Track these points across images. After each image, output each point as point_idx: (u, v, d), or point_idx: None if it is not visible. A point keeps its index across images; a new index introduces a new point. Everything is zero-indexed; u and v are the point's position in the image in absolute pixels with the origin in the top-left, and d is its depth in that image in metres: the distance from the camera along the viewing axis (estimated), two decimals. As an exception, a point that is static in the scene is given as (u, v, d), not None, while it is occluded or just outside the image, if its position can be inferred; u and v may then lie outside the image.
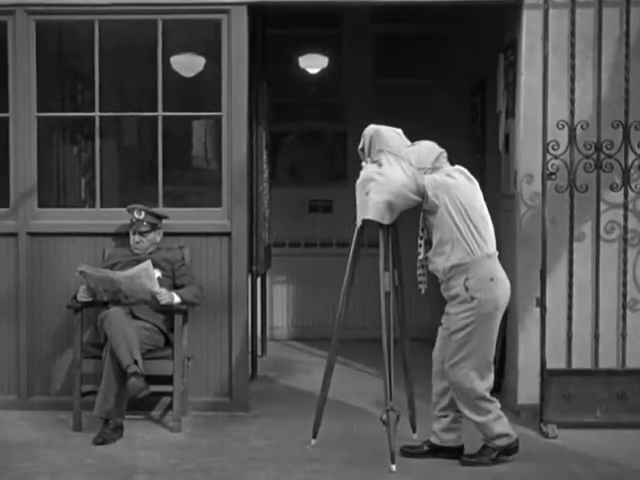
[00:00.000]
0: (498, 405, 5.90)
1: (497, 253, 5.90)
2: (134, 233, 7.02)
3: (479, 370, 5.80)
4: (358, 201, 6.06)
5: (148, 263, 6.71)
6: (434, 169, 5.95)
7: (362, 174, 6.08)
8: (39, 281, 7.23)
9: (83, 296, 6.73)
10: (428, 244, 5.99)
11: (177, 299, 6.74)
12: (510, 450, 5.92)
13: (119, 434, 6.51)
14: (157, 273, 6.83)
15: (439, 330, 6.02)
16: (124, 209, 7.10)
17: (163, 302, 6.69)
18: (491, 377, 5.89)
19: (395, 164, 5.96)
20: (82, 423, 6.67)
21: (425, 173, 5.92)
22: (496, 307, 5.77)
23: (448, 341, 5.85)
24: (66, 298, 6.98)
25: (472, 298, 5.74)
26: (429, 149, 6.03)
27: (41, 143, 7.35)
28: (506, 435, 5.89)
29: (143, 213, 7.02)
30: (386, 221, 5.98)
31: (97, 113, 7.26)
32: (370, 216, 5.99)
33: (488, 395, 5.85)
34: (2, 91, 7.25)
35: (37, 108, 7.24)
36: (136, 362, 6.39)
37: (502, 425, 5.88)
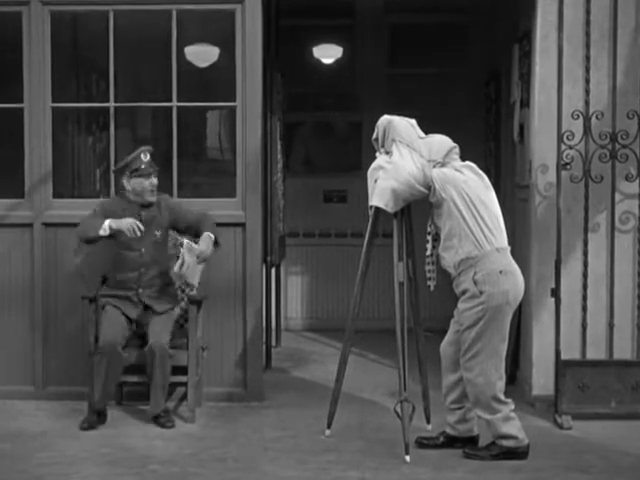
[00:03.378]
0: (511, 407, 5.85)
1: (509, 248, 5.88)
2: (148, 177, 6.76)
3: (494, 365, 5.77)
4: (369, 189, 6.08)
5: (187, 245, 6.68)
6: (444, 163, 5.94)
7: (373, 163, 6.10)
8: (54, 271, 7.25)
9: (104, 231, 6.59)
10: (436, 240, 5.99)
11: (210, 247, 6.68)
12: (517, 454, 5.83)
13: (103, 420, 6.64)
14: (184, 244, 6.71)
15: (451, 323, 6.01)
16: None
17: (203, 256, 6.63)
18: (504, 374, 5.88)
19: (406, 154, 5.96)
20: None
21: (435, 166, 5.91)
22: (506, 300, 5.74)
23: (462, 337, 5.84)
24: (81, 288, 7.00)
25: (481, 292, 5.72)
26: (441, 143, 6.02)
27: (56, 134, 7.36)
28: (513, 437, 5.84)
29: (149, 154, 6.84)
30: (390, 208, 5.98)
31: (112, 104, 7.27)
32: (375, 202, 6.00)
33: (502, 396, 5.81)
34: (17, 82, 7.27)
35: (52, 99, 7.26)
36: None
37: (510, 427, 5.83)
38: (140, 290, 6.73)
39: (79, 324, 7.15)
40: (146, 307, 6.75)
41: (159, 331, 6.59)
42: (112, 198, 7.03)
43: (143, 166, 6.74)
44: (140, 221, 6.63)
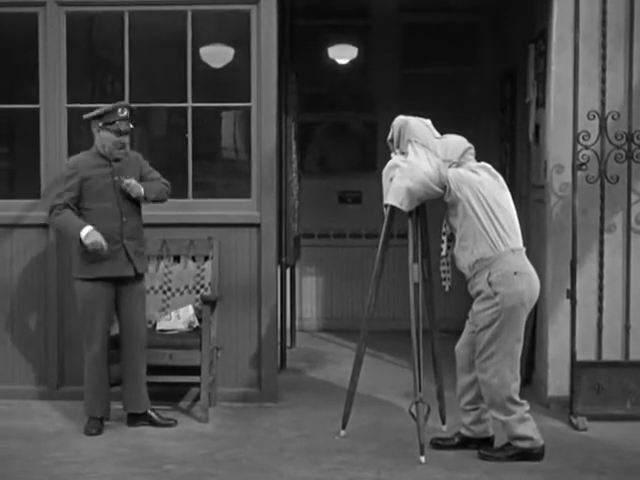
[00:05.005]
0: (526, 408, 5.83)
1: (524, 249, 5.86)
2: (119, 134, 6.40)
3: (509, 366, 5.76)
4: (384, 188, 6.07)
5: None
6: (460, 164, 5.93)
7: (389, 162, 6.10)
8: (68, 272, 7.23)
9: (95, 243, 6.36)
10: (451, 240, 5.98)
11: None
12: (533, 455, 5.82)
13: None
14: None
15: (466, 324, 6.00)
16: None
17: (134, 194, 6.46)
18: (519, 375, 5.86)
19: (421, 154, 5.95)
20: (111, 413, 6.68)
21: (450, 167, 5.90)
22: (521, 302, 5.72)
23: (477, 338, 5.83)
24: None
25: (495, 293, 5.70)
26: (457, 143, 6.01)
27: (71, 134, 7.37)
28: (529, 438, 5.83)
29: (127, 111, 6.47)
30: (404, 207, 5.97)
31: (127, 104, 7.28)
32: (389, 201, 6.00)
33: (517, 397, 5.80)
34: (33, 82, 7.29)
35: (67, 99, 7.28)
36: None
37: (525, 428, 5.82)
38: (125, 241, 6.48)
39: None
40: (118, 280, 6.54)
41: (137, 314, 6.59)
42: (83, 154, 6.56)
43: (117, 121, 6.40)
44: (111, 173, 6.44)
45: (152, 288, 7.05)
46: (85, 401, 6.55)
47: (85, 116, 6.57)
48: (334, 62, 10.61)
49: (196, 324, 6.91)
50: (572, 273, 6.75)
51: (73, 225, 6.39)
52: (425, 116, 6.17)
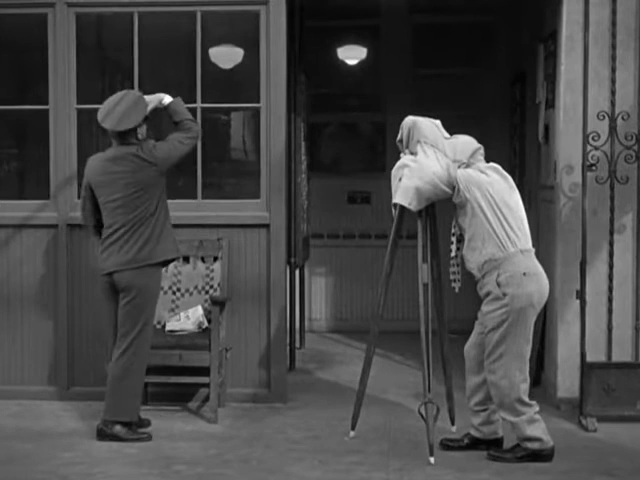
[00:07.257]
0: (536, 409, 5.82)
1: (533, 250, 5.85)
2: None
3: (518, 367, 5.75)
4: (392, 188, 6.07)
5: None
6: (469, 164, 5.93)
7: (398, 162, 6.10)
8: (78, 272, 7.27)
9: None
10: (460, 241, 5.97)
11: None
12: (542, 456, 5.81)
13: None
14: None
15: (475, 325, 5.99)
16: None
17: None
18: (528, 376, 5.85)
19: (430, 154, 5.95)
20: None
21: (459, 167, 5.89)
22: (530, 303, 5.71)
23: (486, 339, 5.82)
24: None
25: (504, 294, 5.69)
26: (466, 143, 6.00)
27: (81, 135, 7.38)
28: (538, 439, 5.81)
29: None
30: (413, 207, 5.95)
31: (136, 105, 7.27)
32: (398, 200, 5.99)
33: (526, 398, 5.79)
34: (42, 83, 7.30)
35: (77, 100, 7.29)
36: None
37: (535, 429, 5.81)
38: None
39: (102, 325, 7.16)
40: None
41: None
42: None
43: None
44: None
45: (162, 288, 7.05)
46: (131, 403, 6.36)
47: (145, 119, 6.37)
48: (343, 63, 10.61)
49: (205, 325, 6.92)
50: (582, 274, 6.74)
51: None
52: (434, 117, 6.17)
